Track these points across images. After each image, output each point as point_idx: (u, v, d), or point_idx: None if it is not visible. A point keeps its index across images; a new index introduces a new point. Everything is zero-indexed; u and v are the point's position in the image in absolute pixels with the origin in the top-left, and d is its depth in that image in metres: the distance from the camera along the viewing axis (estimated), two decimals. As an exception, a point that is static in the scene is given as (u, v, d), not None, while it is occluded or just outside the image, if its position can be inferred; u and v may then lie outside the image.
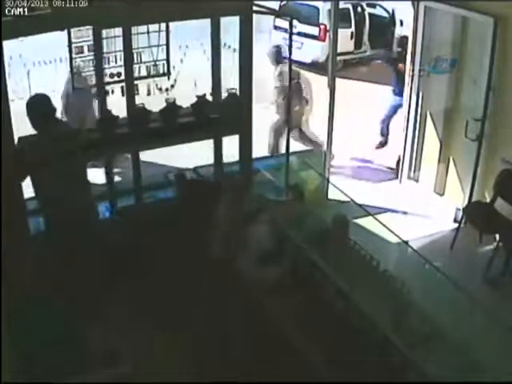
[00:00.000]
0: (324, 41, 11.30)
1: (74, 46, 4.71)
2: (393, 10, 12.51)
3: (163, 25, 4.99)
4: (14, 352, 3.81)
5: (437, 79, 6.43)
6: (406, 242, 5.70)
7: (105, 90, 4.85)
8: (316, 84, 7.69)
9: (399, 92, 7.84)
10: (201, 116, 5.15)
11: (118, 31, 4.64)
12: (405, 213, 6.61)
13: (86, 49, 4.72)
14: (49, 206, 4.68)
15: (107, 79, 4.84)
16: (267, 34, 12.21)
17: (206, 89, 5.07)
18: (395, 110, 8.17)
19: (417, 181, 7.00)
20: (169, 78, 5.18)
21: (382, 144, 8.38)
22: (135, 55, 4.89)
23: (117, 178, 5.60)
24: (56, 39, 4.63)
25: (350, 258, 4.20)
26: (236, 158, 5.31)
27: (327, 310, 3.97)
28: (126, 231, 4.95)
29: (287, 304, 4.06)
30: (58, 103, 5.48)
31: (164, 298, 4.65)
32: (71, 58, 4.88)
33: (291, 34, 5.71)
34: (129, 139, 4.90)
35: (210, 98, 5.15)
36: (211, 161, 5.39)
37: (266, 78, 7.44)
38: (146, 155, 5.18)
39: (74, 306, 4.18)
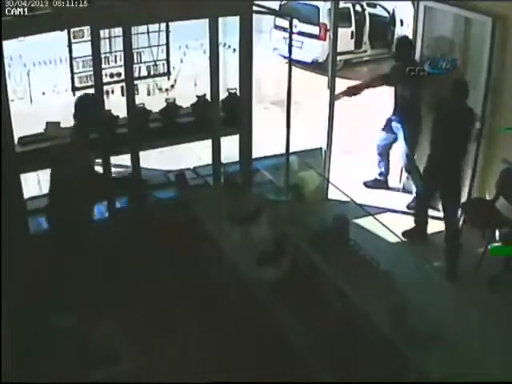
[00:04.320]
0: (324, 40, 11.30)
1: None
2: (393, 10, 12.51)
3: (163, 25, 5.00)
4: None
5: (437, 79, 6.41)
6: (406, 242, 5.73)
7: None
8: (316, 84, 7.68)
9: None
10: (201, 116, 5.16)
11: (118, 31, 4.64)
12: (405, 213, 6.60)
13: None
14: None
15: (107, 79, 4.84)
16: (267, 34, 12.22)
17: (205, 89, 5.07)
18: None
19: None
20: (169, 78, 5.19)
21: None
22: (135, 55, 4.90)
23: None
24: (56, 39, 4.64)
25: (349, 257, 4.20)
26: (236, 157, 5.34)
27: (327, 310, 3.97)
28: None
29: (287, 304, 4.06)
30: (57, 103, 5.46)
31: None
32: (71, 58, 4.88)
33: (291, 33, 5.69)
34: (128, 139, 4.91)
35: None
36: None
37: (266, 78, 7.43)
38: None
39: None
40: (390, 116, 6.71)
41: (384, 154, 6.97)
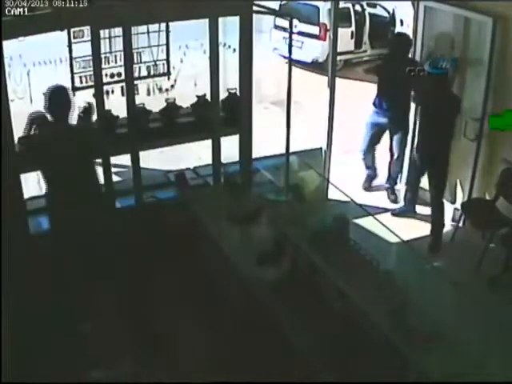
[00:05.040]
0: (324, 40, 11.30)
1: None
2: (393, 10, 12.50)
3: (163, 25, 5.00)
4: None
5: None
6: (406, 242, 5.72)
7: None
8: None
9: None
10: (201, 116, 5.16)
11: (118, 31, 4.64)
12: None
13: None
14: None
15: (107, 79, 4.84)
16: (267, 34, 12.22)
17: (205, 89, 5.08)
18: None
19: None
20: (169, 78, 5.20)
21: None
22: (135, 55, 4.90)
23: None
24: (56, 39, 4.65)
25: (349, 257, 4.20)
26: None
27: (327, 310, 3.97)
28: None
29: (287, 304, 4.06)
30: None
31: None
32: (71, 58, 4.89)
33: (291, 33, 5.69)
34: (128, 139, 4.91)
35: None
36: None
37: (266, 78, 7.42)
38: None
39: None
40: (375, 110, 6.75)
41: (370, 150, 6.97)
